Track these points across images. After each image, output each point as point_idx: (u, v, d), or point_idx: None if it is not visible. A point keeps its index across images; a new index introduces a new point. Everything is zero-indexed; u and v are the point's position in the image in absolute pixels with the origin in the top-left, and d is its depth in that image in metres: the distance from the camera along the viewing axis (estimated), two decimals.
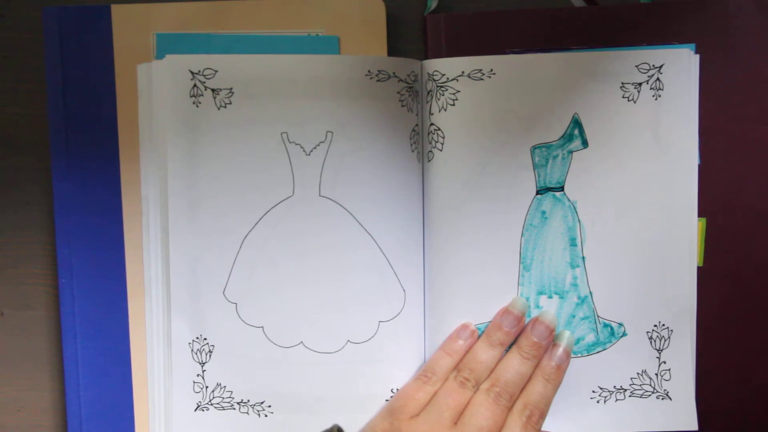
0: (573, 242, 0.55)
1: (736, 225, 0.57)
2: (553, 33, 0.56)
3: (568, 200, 0.55)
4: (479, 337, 0.55)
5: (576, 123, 0.55)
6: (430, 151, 0.55)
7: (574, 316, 0.56)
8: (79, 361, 0.57)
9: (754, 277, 0.57)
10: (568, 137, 0.55)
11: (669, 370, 0.56)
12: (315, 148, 0.54)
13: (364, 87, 0.54)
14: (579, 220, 0.55)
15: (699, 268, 0.56)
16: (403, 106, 0.55)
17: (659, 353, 0.56)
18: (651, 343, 0.56)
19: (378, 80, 0.54)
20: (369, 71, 0.54)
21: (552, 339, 0.54)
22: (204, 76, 0.54)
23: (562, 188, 0.55)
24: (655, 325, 0.55)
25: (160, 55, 0.56)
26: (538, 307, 0.56)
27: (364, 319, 0.55)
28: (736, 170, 0.56)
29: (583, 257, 0.55)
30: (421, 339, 0.56)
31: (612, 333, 0.56)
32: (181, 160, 0.54)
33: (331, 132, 0.54)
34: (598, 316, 0.56)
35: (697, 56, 0.55)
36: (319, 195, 0.55)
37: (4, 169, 0.58)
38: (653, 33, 0.56)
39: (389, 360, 0.55)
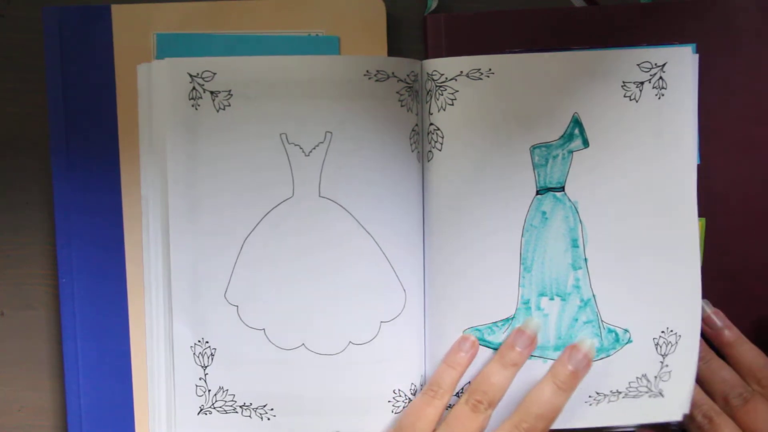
0: (574, 243, 0.55)
1: (736, 225, 0.57)
2: (553, 33, 0.56)
3: (569, 200, 0.55)
4: (492, 356, 0.54)
5: (576, 122, 0.55)
6: (430, 151, 0.55)
7: (576, 320, 0.55)
8: (79, 361, 0.57)
9: (754, 277, 0.57)
10: (568, 137, 0.55)
11: (670, 372, 0.55)
12: (314, 148, 0.54)
13: (364, 87, 0.54)
14: (580, 221, 0.55)
15: None
16: (402, 106, 0.55)
17: (663, 358, 0.55)
18: (657, 349, 0.55)
19: (377, 80, 0.54)
20: (368, 71, 0.54)
21: (589, 368, 0.53)
22: (202, 78, 0.54)
23: (562, 188, 0.55)
24: (662, 332, 0.55)
25: (160, 56, 0.56)
26: (539, 308, 0.55)
27: (365, 320, 0.55)
28: (736, 170, 0.56)
29: (586, 259, 0.55)
30: (421, 339, 0.56)
31: (617, 339, 0.55)
32: (181, 162, 0.54)
33: (331, 132, 0.54)
34: (602, 321, 0.55)
35: (697, 56, 0.55)
36: (319, 195, 0.55)
37: (4, 169, 0.58)
38: (653, 33, 0.56)
39: (391, 361, 0.55)
